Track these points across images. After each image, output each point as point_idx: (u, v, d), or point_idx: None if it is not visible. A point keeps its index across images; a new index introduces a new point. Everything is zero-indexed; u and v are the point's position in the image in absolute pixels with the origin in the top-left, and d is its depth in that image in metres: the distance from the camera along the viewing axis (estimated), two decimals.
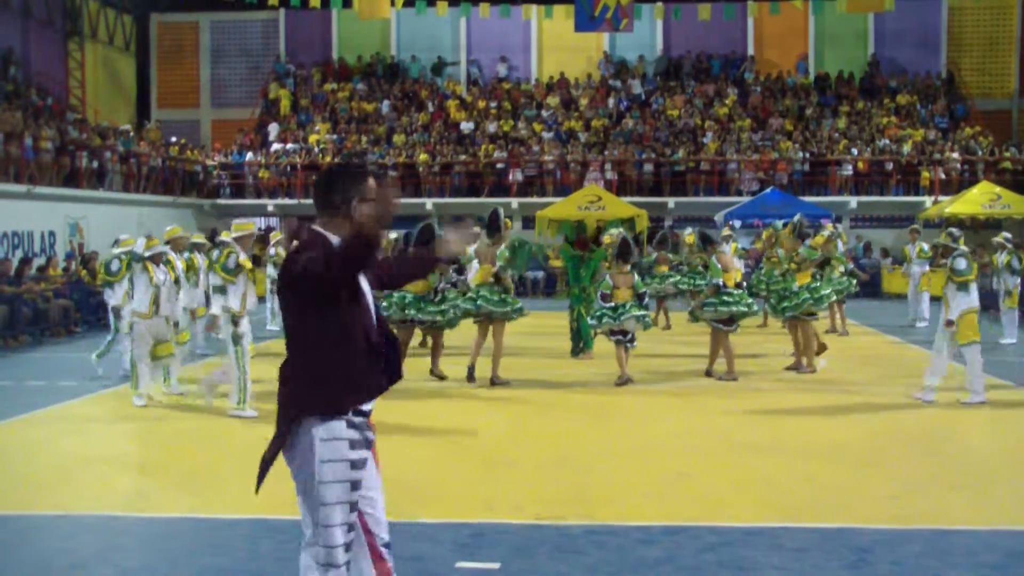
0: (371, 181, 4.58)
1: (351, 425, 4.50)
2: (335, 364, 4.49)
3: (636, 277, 14.47)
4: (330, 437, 4.44)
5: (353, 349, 4.51)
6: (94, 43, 38.06)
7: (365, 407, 4.59)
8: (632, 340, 14.23)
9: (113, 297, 14.72)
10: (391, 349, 4.68)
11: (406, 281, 5.19)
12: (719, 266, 14.67)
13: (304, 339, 4.51)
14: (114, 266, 14.31)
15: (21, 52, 33.35)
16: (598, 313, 14.29)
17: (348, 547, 4.54)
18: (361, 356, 4.53)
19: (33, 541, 7.36)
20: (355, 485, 4.50)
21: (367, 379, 4.56)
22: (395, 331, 14.59)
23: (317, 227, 4.61)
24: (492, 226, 14.24)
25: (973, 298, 12.45)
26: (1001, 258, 18.95)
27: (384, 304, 13.86)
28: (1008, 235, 19.77)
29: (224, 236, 13.06)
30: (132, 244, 13.83)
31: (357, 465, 4.50)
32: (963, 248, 12.76)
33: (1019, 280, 18.98)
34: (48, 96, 32.54)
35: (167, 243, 14.40)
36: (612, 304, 14.06)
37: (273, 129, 37.99)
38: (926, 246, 18.46)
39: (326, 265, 4.32)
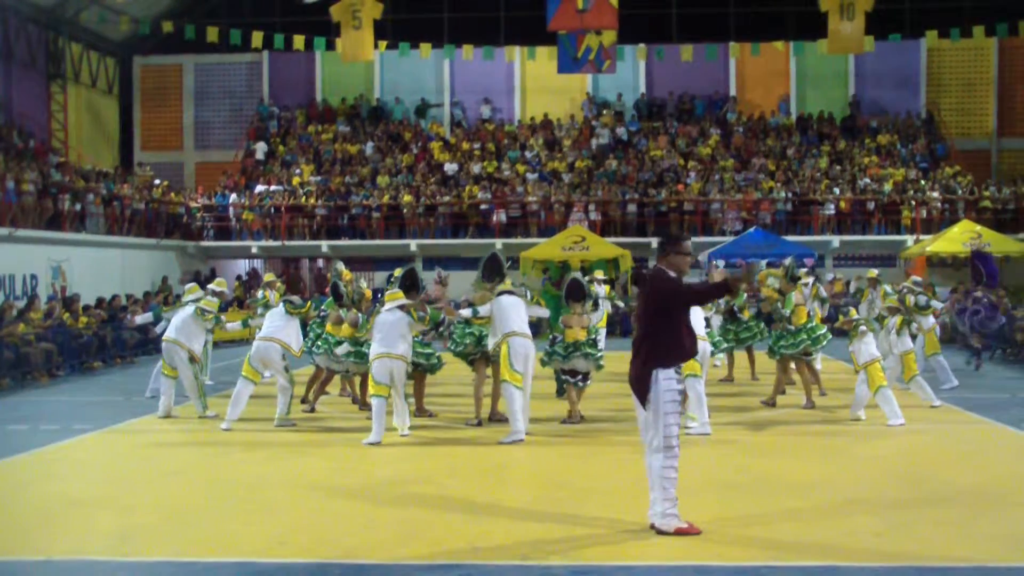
0: (685, 243, 8.52)
1: (675, 371, 8.31)
2: (672, 340, 8.26)
3: (591, 318, 14.80)
4: (667, 378, 8.16)
5: (681, 333, 8.31)
6: (77, 85, 38.15)
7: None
8: (584, 379, 14.31)
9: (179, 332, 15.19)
10: (691, 337, 8.49)
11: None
12: None
13: (659, 326, 8.27)
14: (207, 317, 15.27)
15: (3, 94, 33.40)
16: (549, 351, 14.39)
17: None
18: (682, 337, 8.32)
19: None
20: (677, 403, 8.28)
21: (684, 350, 8.34)
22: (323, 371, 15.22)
23: (661, 266, 8.43)
24: (492, 269, 14.15)
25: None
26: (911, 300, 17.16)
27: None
28: (918, 279, 19.02)
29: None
30: (197, 291, 15.73)
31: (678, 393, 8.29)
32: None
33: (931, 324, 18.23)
34: (30, 138, 32.51)
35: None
36: (564, 343, 14.26)
37: (260, 148, 38.17)
38: (889, 288, 18.31)
39: (697, 294, 8.81)
